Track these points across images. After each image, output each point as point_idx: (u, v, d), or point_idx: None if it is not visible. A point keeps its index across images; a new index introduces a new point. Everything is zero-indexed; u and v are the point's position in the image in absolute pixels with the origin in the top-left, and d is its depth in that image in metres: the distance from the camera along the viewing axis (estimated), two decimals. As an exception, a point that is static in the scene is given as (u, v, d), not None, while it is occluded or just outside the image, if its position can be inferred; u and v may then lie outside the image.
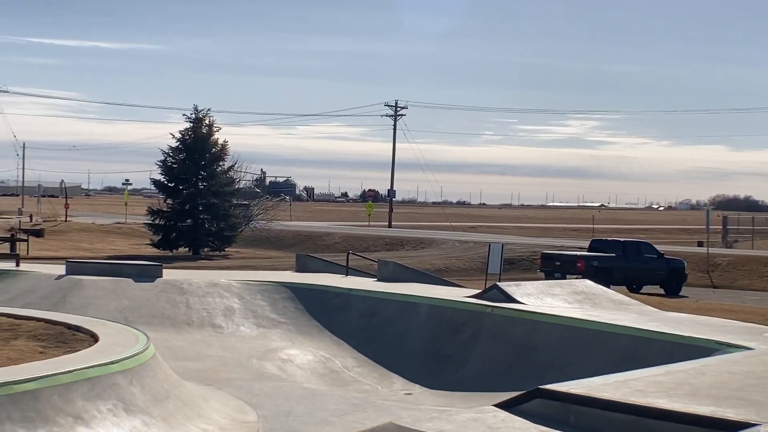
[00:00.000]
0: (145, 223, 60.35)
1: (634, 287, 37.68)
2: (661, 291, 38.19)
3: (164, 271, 22.60)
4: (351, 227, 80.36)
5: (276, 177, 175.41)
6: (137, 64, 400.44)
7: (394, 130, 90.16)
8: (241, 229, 61.39)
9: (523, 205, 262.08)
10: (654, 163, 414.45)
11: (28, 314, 14.83)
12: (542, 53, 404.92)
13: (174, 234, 56.07)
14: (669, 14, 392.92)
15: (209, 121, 57.99)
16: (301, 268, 27.07)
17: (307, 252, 37.34)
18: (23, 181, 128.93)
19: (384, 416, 11.15)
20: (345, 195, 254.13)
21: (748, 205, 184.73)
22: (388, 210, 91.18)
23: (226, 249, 56.88)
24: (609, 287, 22.45)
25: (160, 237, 55.88)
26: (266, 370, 16.68)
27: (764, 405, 7.86)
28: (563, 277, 33.99)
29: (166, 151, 57.28)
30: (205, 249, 56.54)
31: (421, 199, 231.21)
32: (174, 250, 55.54)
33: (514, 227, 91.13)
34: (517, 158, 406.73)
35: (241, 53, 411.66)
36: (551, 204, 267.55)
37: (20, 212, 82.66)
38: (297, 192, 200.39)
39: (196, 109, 57.62)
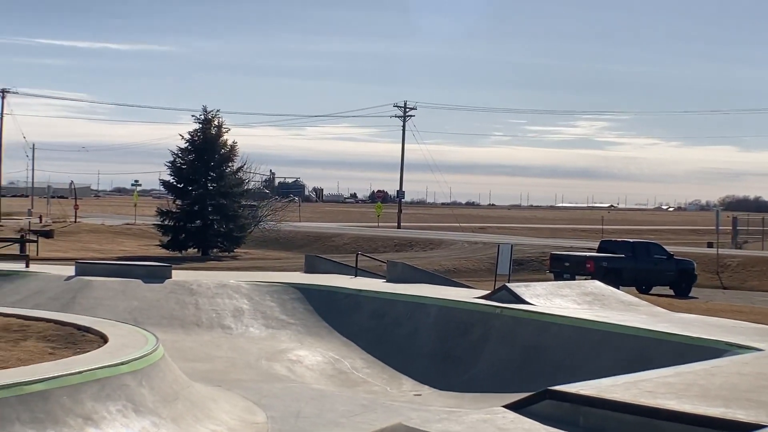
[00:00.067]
0: (154, 224, 60.47)
1: (643, 288, 37.61)
2: (671, 292, 38.13)
3: (173, 272, 22.61)
4: (360, 228, 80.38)
5: (285, 178, 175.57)
6: (147, 66, 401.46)
7: (403, 130, 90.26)
8: (250, 230, 61.44)
9: (532, 205, 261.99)
10: (663, 164, 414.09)
11: (37, 315, 14.84)
12: (551, 54, 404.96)
13: (183, 235, 56.16)
14: (679, 14, 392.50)
15: (218, 122, 58.16)
16: (310, 269, 27.07)
17: (316, 253, 37.36)
18: (33, 182, 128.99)
19: (393, 417, 11.14)
20: (354, 196, 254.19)
21: (758, 205, 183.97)
22: (397, 211, 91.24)
23: (235, 250, 56.97)
24: (618, 288, 22.44)
25: (169, 238, 55.98)
26: (275, 371, 16.68)
27: (775, 406, 7.83)
28: (572, 278, 33.95)
29: (176, 152, 57.42)
30: (214, 250, 56.63)
31: (430, 199, 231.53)
32: (183, 251, 55.64)
33: (523, 228, 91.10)
34: (526, 159, 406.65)
35: (251, 54, 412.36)
36: (560, 205, 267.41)
37: (30, 213, 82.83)
38: (306, 193, 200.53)
39: (205, 110, 57.79)
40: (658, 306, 20.63)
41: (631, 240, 43.94)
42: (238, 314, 20.15)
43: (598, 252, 40.59)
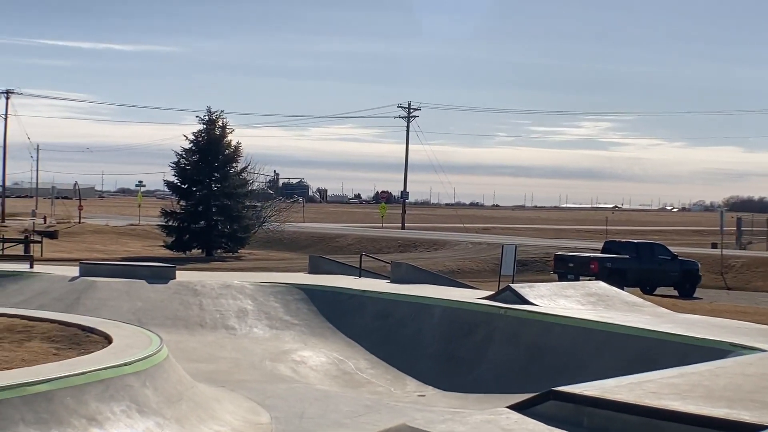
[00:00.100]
0: (158, 225, 60.48)
1: (647, 289, 37.59)
2: (675, 293, 38.11)
3: (177, 272, 22.62)
4: (364, 229, 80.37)
5: (289, 178, 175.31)
6: (151, 66, 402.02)
7: (407, 131, 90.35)
8: (255, 230, 61.44)
9: (536, 206, 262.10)
10: (668, 165, 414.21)
11: (42, 316, 14.85)
12: (555, 54, 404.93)
13: (187, 235, 56.16)
14: (683, 15, 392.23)
15: (222, 123, 58.15)
16: (314, 270, 27.06)
17: (320, 253, 37.39)
18: (37, 182, 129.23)
19: (397, 418, 11.14)
20: (358, 196, 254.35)
21: (763, 206, 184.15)
22: (401, 211, 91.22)
23: (239, 250, 56.97)
24: (622, 289, 22.41)
25: (173, 238, 56.00)
26: (279, 372, 16.68)
27: (779, 407, 7.82)
28: (576, 279, 33.92)
29: (180, 152, 57.40)
30: (219, 250, 56.64)
31: (434, 200, 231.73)
32: (187, 252, 55.64)
33: (527, 229, 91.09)
34: (530, 159, 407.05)
35: (255, 55, 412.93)
36: (564, 205, 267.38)
37: (34, 214, 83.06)
38: (310, 193, 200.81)
39: (209, 110, 57.78)
40: (662, 307, 20.60)
41: (635, 241, 43.93)
42: (242, 315, 20.15)
43: (602, 253, 40.57)
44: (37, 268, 24.18)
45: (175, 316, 19.61)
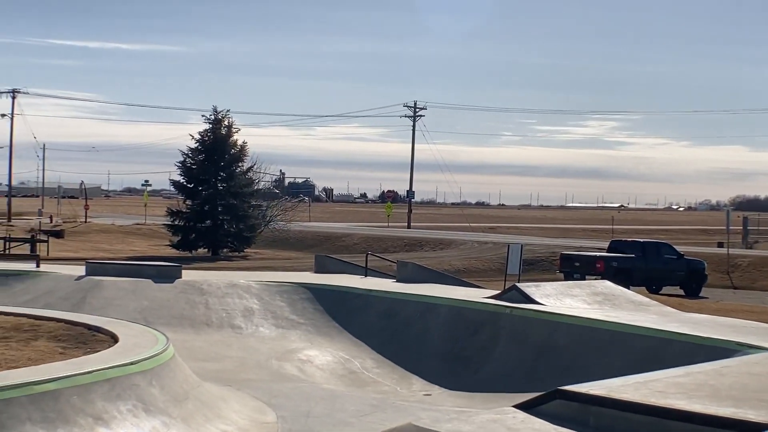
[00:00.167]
0: (164, 224, 60.55)
1: (653, 288, 37.56)
2: (681, 292, 38.08)
3: (183, 271, 22.64)
4: (370, 228, 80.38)
5: (295, 178, 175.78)
6: (157, 66, 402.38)
7: (413, 130, 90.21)
8: (260, 230, 61.47)
9: (542, 205, 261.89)
10: (673, 164, 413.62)
11: (48, 315, 14.88)
12: (561, 54, 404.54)
13: (193, 235, 56.19)
14: (689, 14, 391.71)
15: (228, 122, 58.17)
16: (320, 269, 27.07)
17: (326, 253, 37.37)
18: (43, 182, 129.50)
19: (403, 417, 11.14)
20: (364, 196, 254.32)
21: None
22: (407, 211, 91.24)
23: (245, 250, 56.99)
24: (628, 288, 22.38)
25: (179, 238, 56.03)
26: (285, 371, 16.69)
27: (785, 406, 7.80)
28: (582, 278, 33.91)
29: (186, 152, 57.42)
30: (224, 250, 56.67)
31: (440, 199, 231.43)
32: (193, 251, 55.69)
33: (533, 228, 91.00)
34: (536, 159, 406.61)
35: (261, 54, 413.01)
36: (570, 205, 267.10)
37: (40, 213, 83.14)
38: (316, 193, 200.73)
39: (215, 110, 57.80)
40: (669, 306, 20.59)
41: (642, 240, 43.89)
42: (248, 314, 20.17)
43: (608, 252, 40.55)
44: (44, 267, 24.23)
45: (182, 315, 19.64)
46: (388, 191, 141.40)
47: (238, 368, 16.40)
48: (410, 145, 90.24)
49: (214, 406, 11.95)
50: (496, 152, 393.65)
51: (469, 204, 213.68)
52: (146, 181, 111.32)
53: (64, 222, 76.06)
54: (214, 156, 56.79)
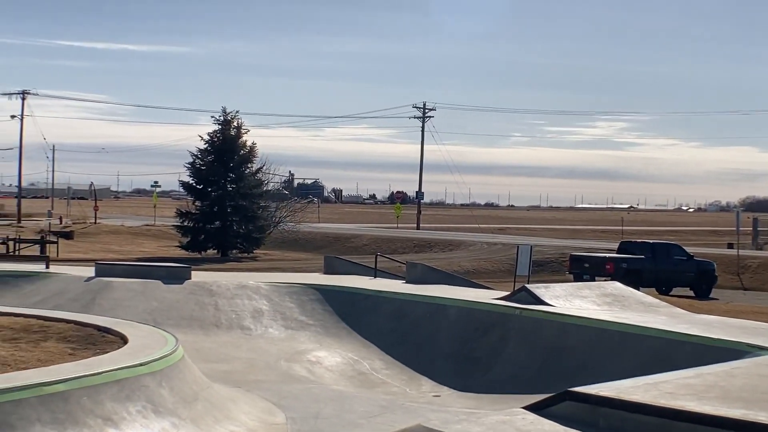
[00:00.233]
0: (173, 225, 60.63)
1: (663, 289, 37.50)
2: (691, 293, 38.02)
3: (193, 273, 22.66)
4: (379, 229, 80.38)
5: (304, 179, 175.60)
6: (167, 67, 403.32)
7: (422, 131, 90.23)
8: (270, 231, 61.51)
9: (551, 206, 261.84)
10: (683, 165, 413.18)
11: (57, 316, 14.89)
12: (570, 55, 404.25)
13: (202, 236, 56.27)
14: (699, 14, 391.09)
15: (238, 123, 58.27)
16: (329, 270, 27.08)
17: (336, 254, 37.41)
18: (53, 183, 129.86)
19: (412, 418, 11.14)
20: (373, 197, 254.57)
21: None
22: (416, 212, 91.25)
23: (254, 251, 57.05)
24: (638, 289, 22.34)
25: (188, 239, 56.11)
26: (294, 372, 16.69)
27: (796, 408, 7.78)
28: (592, 279, 33.86)
29: (195, 153, 57.50)
30: (234, 251, 56.73)
31: (449, 200, 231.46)
32: (202, 252, 55.76)
33: (542, 229, 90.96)
34: (545, 160, 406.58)
35: (270, 55, 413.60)
36: (580, 206, 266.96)
37: (50, 214, 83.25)
38: (325, 194, 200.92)
39: (224, 111, 57.88)
40: (678, 307, 20.54)
41: (651, 241, 43.85)
42: (258, 315, 20.17)
43: (617, 253, 40.51)
44: (53, 268, 24.27)
45: (191, 316, 19.65)
46: (397, 192, 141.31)
47: (247, 369, 16.40)
48: (419, 146, 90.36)
49: (223, 408, 11.95)
50: (505, 153, 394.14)
51: (479, 205, 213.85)
52: (155, 182, 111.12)
53: (73, 223, 76.20)
54: (224, 157, 56.86)
